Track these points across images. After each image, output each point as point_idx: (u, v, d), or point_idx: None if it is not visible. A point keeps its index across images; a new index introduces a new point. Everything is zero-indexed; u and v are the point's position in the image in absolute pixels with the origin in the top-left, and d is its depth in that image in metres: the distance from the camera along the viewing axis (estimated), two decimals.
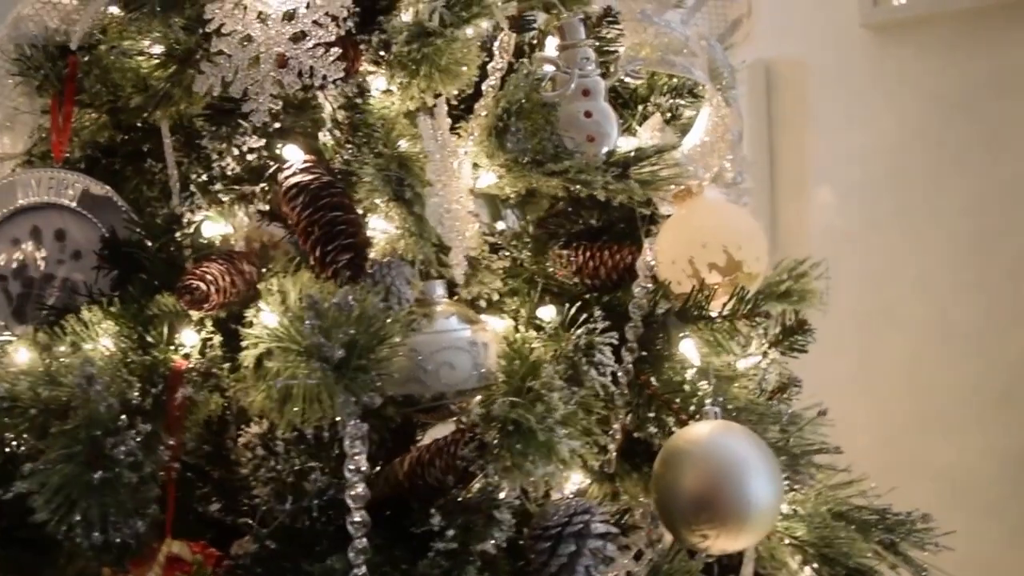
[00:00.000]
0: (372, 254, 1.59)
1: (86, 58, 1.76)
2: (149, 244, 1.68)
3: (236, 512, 1.65)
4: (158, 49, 1.67)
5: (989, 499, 3.26)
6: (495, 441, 1.48)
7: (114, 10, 1.76)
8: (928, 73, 3.37)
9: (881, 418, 3.42)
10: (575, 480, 1.78)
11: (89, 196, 1.76)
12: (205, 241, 1.69)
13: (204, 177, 1.68)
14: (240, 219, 1.71)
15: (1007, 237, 3.24)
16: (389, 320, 1.38)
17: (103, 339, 1.58)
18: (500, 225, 1.86)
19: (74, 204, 1.76)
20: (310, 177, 1.56)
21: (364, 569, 1.41)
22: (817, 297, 1.93)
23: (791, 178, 3.67)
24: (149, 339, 1.57)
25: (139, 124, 1.80)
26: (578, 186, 1.59)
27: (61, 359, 1.54)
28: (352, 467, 1.41)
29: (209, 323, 1.60)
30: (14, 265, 1.76)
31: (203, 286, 1.53)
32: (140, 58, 1.67)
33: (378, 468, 1.66)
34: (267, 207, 1.71)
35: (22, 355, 1.60)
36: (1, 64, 1.82)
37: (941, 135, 3.34)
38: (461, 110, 1.68)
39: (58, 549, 1.52)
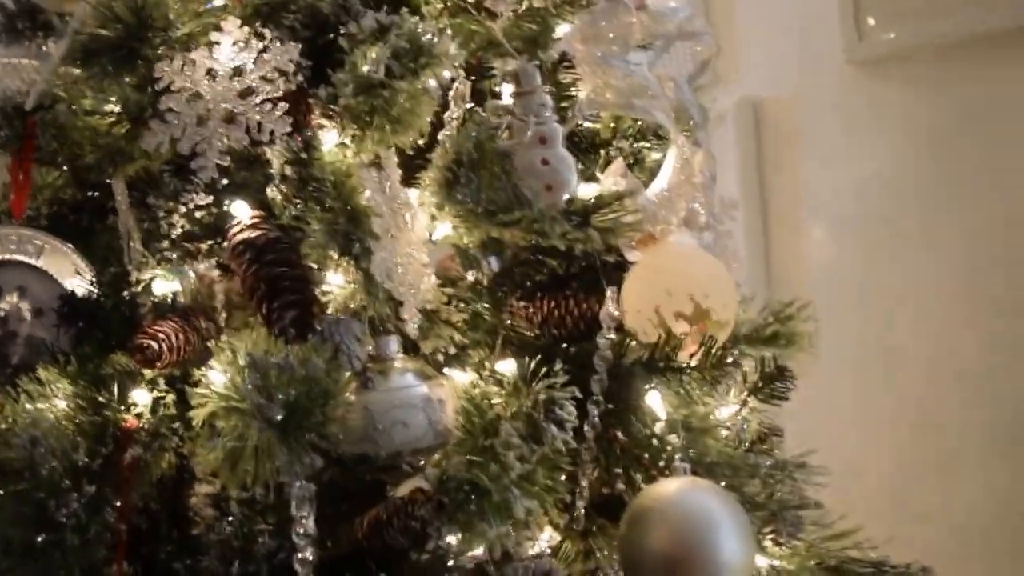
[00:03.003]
0: (329, 310, 1.50)
1: (44, 117, 1.68)
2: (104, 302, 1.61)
3: (195, 574, 1.55)
4: (112, 108, 1.59)
5: (998, 546, 3.09)
6: (450, 501, 1.39)
7: (73, 70, 1.68)
8: (917, 106, 3.25)
9: (886, 463, 3.29)
10: (545, 538, 1.67)
11: (50, 253, 1.69)
12: (162, 299, 1.60)
13: (154, 235, 1.60)
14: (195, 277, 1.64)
15: (1007, 270, 3.10)
16: (333, 379, 1.29)
17: (58, 399, 1.50)
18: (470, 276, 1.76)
19: (36, 261, 1.69)
20: (257, 233, 1.47)
21: None
22: (806, 340, 1.81)
23: (784, 216, 3.57)
24: (100, 399, 1.50)
25: (103, 181, 1.72)
26: (534, 236, 1.49)
27: (13, 420, 1.47)
28: (300, 530, 1.32)
29: (162, 382, 1.53)
30: None
31: (155, 345, 1.46)
32: (95, 117, 1.59)
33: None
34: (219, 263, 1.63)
35: None
36: None
37: (933, 167, 3.22)
38: (421, 161, 1.59)
39: None
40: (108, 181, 1.67)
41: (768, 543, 1.67)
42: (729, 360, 1.60)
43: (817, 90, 3.46)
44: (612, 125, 1.87)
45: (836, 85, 3.40)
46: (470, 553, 1.48)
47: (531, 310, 1.70)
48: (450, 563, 1.41)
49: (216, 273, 1.66)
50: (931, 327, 3.22)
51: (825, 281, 3.37)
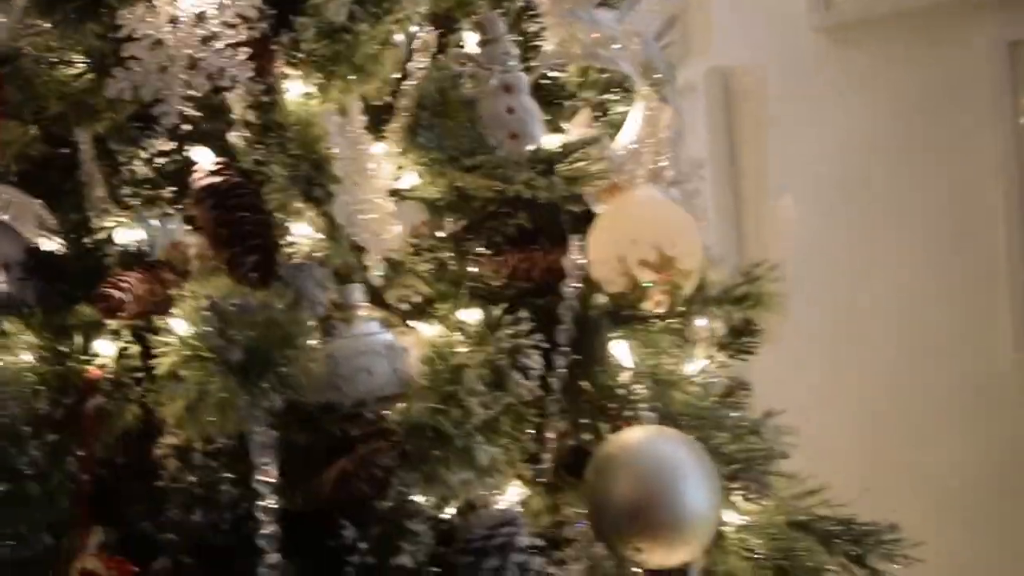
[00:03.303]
0: (296, 260, 1.47)
1: (9, 70, 1.64)
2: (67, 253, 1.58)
3: (160, 527, 1.52)
4: (76, 58, 1.56)
5: (966, 509, 3.12)
6: (413, 449, 1.36)
7: (37, 21, 1.65)
8: (883, 75, 3.25)
9: (857, 427, 3.30)
10: (514, 492, 1.64)
11: (15, 206, 1.64)
12: (126, 248, 1.57)
13: (116, 183, 1.57)
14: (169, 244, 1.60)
15: (976, 239, 3.11)
16: (294, 322, 1.26)
17: (22, 351, 1.47)
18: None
19: (1, 215, 1.64)
20: (219, 179, 1.44)
21: None
22: (775, 300, 1.79)
23: (754, 186, 3.57)
24: (63, 349, 1.48)
25: (72, 138, 1.68)
26: (498, 182, 1.46)
27: None
28: (261, 478, 1.29)
29: (127, 332, 1.49)
30: None
31: (117, 294, 1.42)
32: (60, 68, 1.56)
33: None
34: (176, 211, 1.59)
35: None
36: None
37: (901, 136, 3.23)
38: (388, 116, 1.56)
39: None
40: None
41: (737, 499, 1.65)
42: (694, 307, 1.57)
43: (786, 58, 3.46)
44: (579, 76, 1.83)
45: (804, 53, 3.41)
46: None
47: (498, 262, 1.67)
48: (413, 510, 1.37)
49: (189, 236, 1.63)
50: (900, 292, 3.23)
51: (795, 248, 3.37)
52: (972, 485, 3.11)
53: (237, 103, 1.44)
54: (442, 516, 1.50)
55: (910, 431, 3.22)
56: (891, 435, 3.25)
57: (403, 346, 1.43)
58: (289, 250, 1.48)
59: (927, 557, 1.62)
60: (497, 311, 1.48)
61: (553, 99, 1.80)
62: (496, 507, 1.53)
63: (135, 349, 1.49)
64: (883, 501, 1.75)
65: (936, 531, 1.65)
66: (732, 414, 1.68)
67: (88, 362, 1.48)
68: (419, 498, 1.39)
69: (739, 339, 1.86)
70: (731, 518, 1.67)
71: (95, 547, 1.44)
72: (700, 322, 1.75)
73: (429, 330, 1.56)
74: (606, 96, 1.85)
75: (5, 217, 1.64)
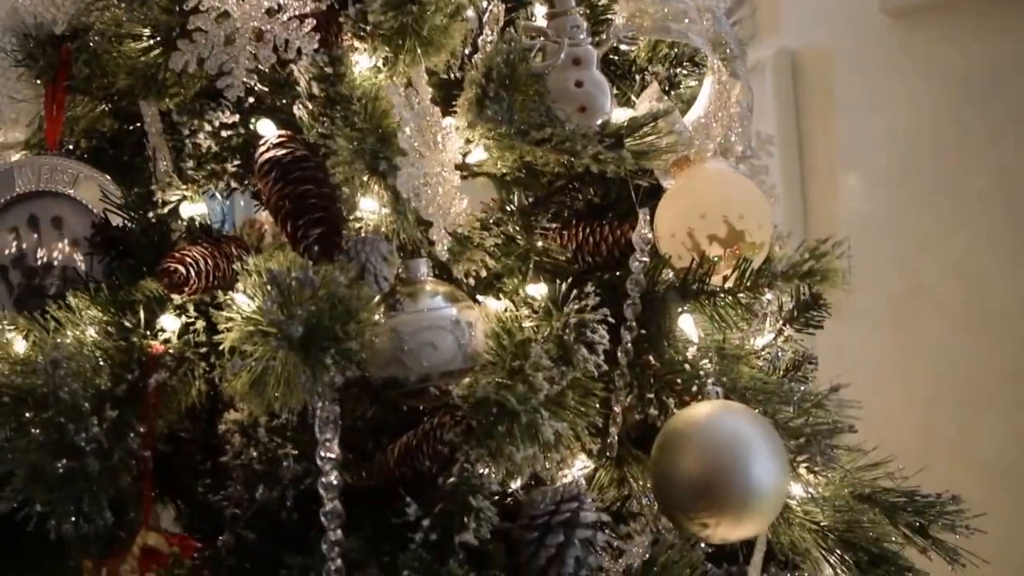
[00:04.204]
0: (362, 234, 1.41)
1: (77, 44, 1.60)
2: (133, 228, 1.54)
3: (224, 502, 1.47)
4: (143, 32, 1.49)
5: (1022, 483, 3.05)
6: (478, 424, 1.31)
7: None
8: (950, 55, 3.19)
9: (916, 401, 3.26)
10: (579, 467, 1.59)
11: (84, 182, 1.62)
12: (195, 223, 1.53)
13: (180, 156, 1.52)
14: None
15: None
16: (357, 296, 1.21)
17: (88, 326, 1.43)
18: None
19: (70, 191, 1.63)
20: (283, 152, 1.38)
21: (339, 562, 1.24)
22: (839, 276, 1.72)
23: (820, 165, 3.51)
24: (127, 324, 1.42)
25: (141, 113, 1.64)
26: (566, 156, 1.40)
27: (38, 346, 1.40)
28: (324, 454, 1.24)
29: (192, 307, 1.45)
30: (13, 254, 1.64)
31: (183, 269, 1.38)
32: (127, 42, 1.50)
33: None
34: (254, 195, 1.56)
35: (19, 345, 1.46)
36: (3, 55, 1.68)
37: (966, 116, 3.17)
38: (458, 91, 1.50)
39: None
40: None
41: (803, 471, 1.59)
42: (763, 282, 1.50)
43: (852, 40, 3.41)
44: (648, 50, 1.78)
45: (871, 35, 3.36)
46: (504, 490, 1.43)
47: (566, 236, 1.62)
48: (477, 486, 1.31)
49: (264, 215, 1.60)
50: (960, 271, 3.18)
51: (860, 227, 3.32)
52: None
53: (302, 75, 1.38)
54: (507, 492, 1.46)
55: (967, 406, 3.17)
56: (948, 410, 3.20)
57: (469, 321, 1.37)
58: (355, 224, 1.42)
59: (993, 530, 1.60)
60: (563, 286, 1.42)
61: (623, 73, 1.76)
62: (561, 482, 1.48)
63: (200, 324, 1.44)
64: (939, 474, 1.71)
65: (989, 506, 1.58)
66: (799, 388, 1.62)
67: (152, 337, 1.43)
68: (484, 474, 1.32)
69: (805, 313, 1.82)
70: (796, 491, 1.63)
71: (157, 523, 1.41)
72: (767, 297, 1.69)
73: (495, 305, 1.51)
74: (676, 70, 1.80)
75: (72, 191, 1.60)
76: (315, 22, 1.37)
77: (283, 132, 1.42)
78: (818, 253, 1.66)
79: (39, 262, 1.62)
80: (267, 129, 1.44)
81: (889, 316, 3.31)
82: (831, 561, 1.60)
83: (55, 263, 1.62)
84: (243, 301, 1.23)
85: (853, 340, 3.08)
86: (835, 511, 1.61)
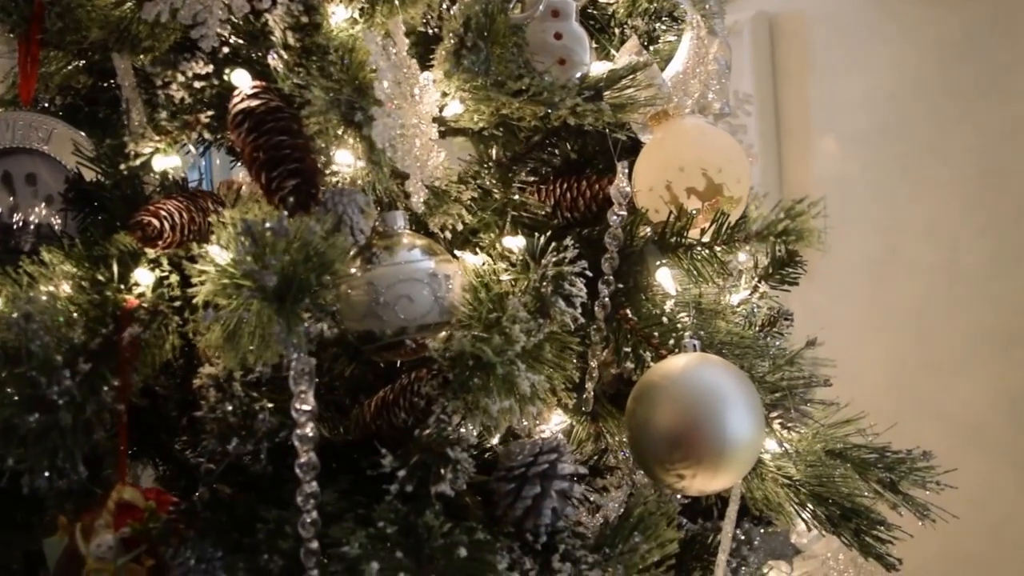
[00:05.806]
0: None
1: None
2: (106, 182, 1.47)
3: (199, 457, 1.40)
4: None
5: (997, 440, 3.04)
6: (454, 377, 1.25)
7: None
8: (926, 19, 3.16)
9: (889, 360, 3.25)
10: (556, 420, 1.53)
11: (58, 138, 1.54)
12: (167, 178, 1.45)
13: (153, 107, 1.44)
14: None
15: (1012, 179, 3.03)
16: (332, 247, 1.13)
17: (61, 281, 1.35)
18: None
19: (44, 147, 1.55)
20: (257, 102, 1.31)
21: (315, 515, 1.17)
22: (815, 235, 1.67)
23: (796, 128, 3.49)
24: (100, 278, 1.35)
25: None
26: (543, 108, 1.33)
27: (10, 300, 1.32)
28: (299, 406, 1.17)
29: (166, 261, 1.37)
30: None
31: (156, 222, 1.31)
32: None
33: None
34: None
35: None
36: None
37: (942, 80, 3.14)
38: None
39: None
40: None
41: (776, 427, 1.54)
42: (739, 236, 1.44)
43: (830, 4, 3.39)
44: (628, 4, 1.72)
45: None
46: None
47: (544, 192, 1.56)
48: (453, 439, 1.25)
49: (242, 175, 1.53)
50: (936, 234, 3.16)
51: (835, 188, 3.32)
52: (1003, 417, 3.03)
53: (277, 25, 1.31)
54: (484, 447, 1.40)
55: (939, 366, 3.15)
56: (920, 369, 3.19)
57: (446, 274, 1.32)
58: (331, 178, 1.35)
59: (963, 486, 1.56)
60: (541, 238, 1.36)
61: (602, 27, 1.70)
62: (539, 435, 1.42)
63: (174, 278, 1.37)
64: (911, 431, 1.69)
65: (960, 463, 1.54)
66: (775, 343, 1.57)
67: (126, 291, 1.36)
68: (460, 425, 1.26)
69: (781, 270, 1.77)
70: (770, 446, 1.59)
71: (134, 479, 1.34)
72: (743, 256, 1.64)
73: (472, 258, 1.45)
74: (655, 25, 1.74)
75: (46, 148, 1.53)
76: None
77: (257, 83, 1.35)
78: (794, 213, 1.62)
79: (16, 225, 1.54)
80: (241, 80, 1.36)
81: (863, 277, 3.29)
82: (804, 515, 1.56)
83: (30, 220, 1.54)
84: (217, 253, 1.16)
85: (827, 300, 3.06)
86: (807, 466, 1.56)
